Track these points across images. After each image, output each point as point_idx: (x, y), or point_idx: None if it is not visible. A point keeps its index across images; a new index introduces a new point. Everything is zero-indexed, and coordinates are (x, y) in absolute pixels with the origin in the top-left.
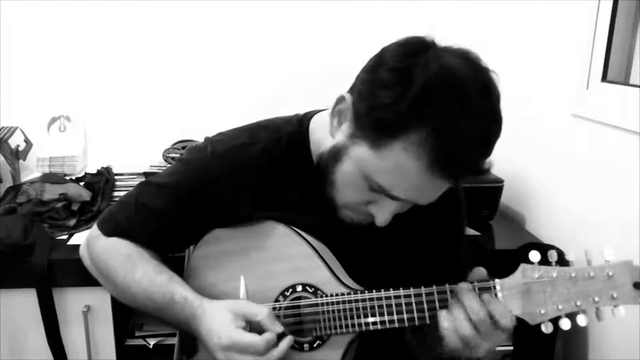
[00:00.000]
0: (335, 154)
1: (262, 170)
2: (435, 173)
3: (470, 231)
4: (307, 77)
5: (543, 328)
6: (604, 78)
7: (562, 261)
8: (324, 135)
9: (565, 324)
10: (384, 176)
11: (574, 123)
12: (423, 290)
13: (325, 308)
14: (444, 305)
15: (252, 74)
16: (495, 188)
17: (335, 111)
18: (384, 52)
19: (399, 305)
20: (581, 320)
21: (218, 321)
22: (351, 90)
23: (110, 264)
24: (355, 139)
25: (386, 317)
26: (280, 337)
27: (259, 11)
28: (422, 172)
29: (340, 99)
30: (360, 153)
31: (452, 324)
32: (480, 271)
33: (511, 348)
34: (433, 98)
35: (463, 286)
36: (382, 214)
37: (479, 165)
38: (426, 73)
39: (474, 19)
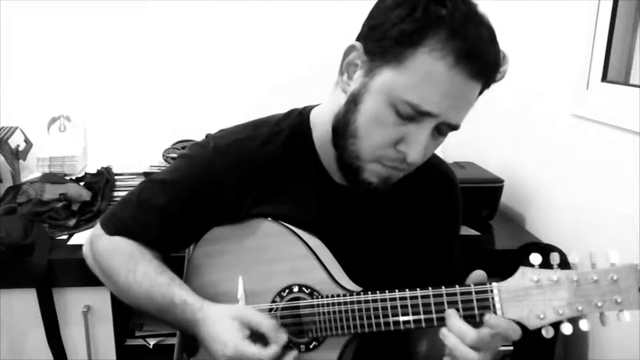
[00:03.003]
0: (354, 100)
1: (265, 164)
2: (463, 70)
3: (470, 231)
4: (307, 77)
5: (544, 332)
6: (604, 78)
7: (565, 264)
8: (327, 119)
9: (566, 329)
10: (413, 91)
11: (574, 123)
12: (419, 292)
13: (321, 309)
14: (440, 309)
15: (251, 74)
16: (495, 188)
17: (345, 66)
18: None
19: (394, 307)
20: (584, 325)
21: (223, 329)
22: (358, 39)
23: (112, 263)
24: (374, 70)
25: (381, 320)
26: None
27: (257, 11)
28: (450, 70)
29: (350, 49)
30: (383, 80)
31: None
32: (480, 274)
33: (511, 348)
34: (443, 1)
35: (450, 312)
36: (414, 148)
37: (499, 59)
38: None
39: None
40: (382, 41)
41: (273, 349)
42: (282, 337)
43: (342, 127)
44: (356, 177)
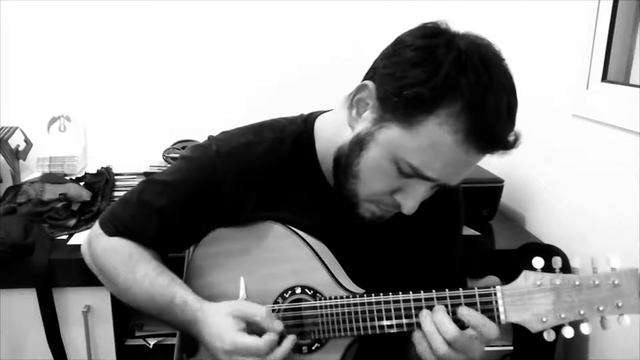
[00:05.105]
0: (359, 143)
1: (267, 170)
2: (471, 146)
3: (470, 231)
4: (307, 77)
5: (545, 336)
6: (604, 78)
7: (567, 268)
8: (331, 133)
9: (568, 332)
10: (417, 156)
11: (574, 123)
12: (422, 295)
13: (323, 311)
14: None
15: (251, 74)
16: (495, 188)
17: (355, 101)
18: (401, 37)
19: (397, 310)
20: (585, 328)
21: (220, 326)
22: (370, 78)
23: (111, 264)
24: (383, 122)
25: (385, 322)
26: (282, 336)
27: (258, 12)
28: (458, 146)
29: (362, 87)
30: (390, 135)
31: (427, 344)
32: (493, 279)
33: (511, 348)
34: (465, 71)
35: (436, 307)
36: (410, 201)
37: (509, 135)
38: (454, 49)
39: (473, 18)
40: (396, 96)
41: (269, 337)
42: (278, 324)
43: (344, 164)
44: (352, 209)
